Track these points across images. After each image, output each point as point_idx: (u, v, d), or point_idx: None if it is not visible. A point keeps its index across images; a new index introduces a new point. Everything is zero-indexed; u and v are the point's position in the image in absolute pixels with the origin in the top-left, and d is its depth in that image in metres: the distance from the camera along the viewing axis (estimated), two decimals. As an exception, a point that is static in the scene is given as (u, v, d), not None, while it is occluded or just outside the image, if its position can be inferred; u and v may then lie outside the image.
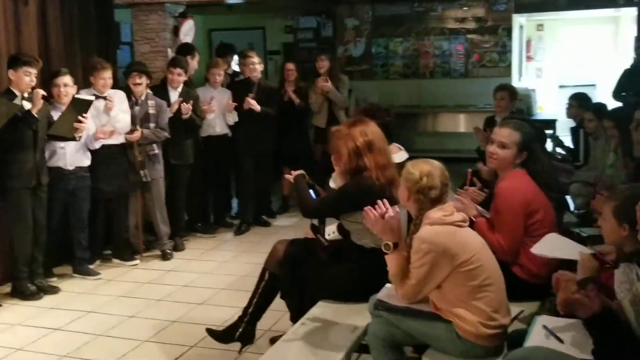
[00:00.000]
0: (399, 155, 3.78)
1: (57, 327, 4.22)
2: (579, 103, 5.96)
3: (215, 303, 4.62)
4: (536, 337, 2.45)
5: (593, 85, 10.66)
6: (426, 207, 2.63)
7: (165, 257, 5.63)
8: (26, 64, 4.45)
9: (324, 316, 3.14)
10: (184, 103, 5.69)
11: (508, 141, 3.23)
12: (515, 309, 2.84)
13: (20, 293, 4.66)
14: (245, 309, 3.56)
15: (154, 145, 5.52)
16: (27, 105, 4.43)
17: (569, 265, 3.04)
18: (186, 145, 5.92)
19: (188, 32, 6.40)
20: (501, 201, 3.11)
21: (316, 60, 6.84)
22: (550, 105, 11.00)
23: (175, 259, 5.65)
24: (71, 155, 4.93)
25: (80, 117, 4.61)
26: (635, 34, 9.03)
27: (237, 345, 3.65)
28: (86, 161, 5.06)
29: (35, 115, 4.42)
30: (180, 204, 5.98)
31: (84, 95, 4.93)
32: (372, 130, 3.20)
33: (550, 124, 8.83)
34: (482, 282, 2.56)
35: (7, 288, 4.83)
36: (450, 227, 2.62)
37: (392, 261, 2.74)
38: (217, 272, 5.37)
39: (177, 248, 5.84)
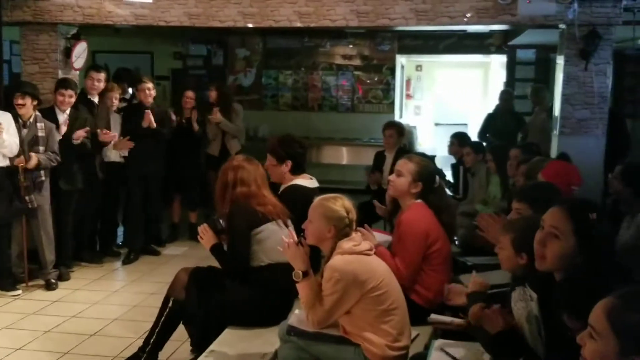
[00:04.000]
0: (309, 182, 3.97)
1: None
2: (459, 141, 6.45)
3: (107, 334, 4.49)
4: (436, 358, 2.67)
5: (465, 124, 11.51)
6: (340, 239, 2.79)
7: (49, 287, 5.37)
8: None
9: (231, 343, 3.19)
10: (79, 130, 5.55)
11: (402, 170, 3.49)
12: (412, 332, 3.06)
13: None
14: (147, 339, 3.52)
15: (42, 172, 5.30)
16: None
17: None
18: (76, 169, 5.74)
19: (81, 54, 6.24)
20: (403, 231, 3.34)
21: (210, 91, 6.93)
22: (428, 141, 11.73)
23: (61, 289, 5.40)
24: None
25: None
26: (504, 79, 9.94)
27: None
28: None
29: None
30: (67, 231, 5.75)
31: None
32: (251, 168, 3.42)
33: (430, 159, 9.38)
34: (388, 306, 2.75)
35: None
36: (360, 256, 2.79)
37: (303, 289, 2.86)
38: (106, 302, 5.21)
39: (62, 277, 5.59)
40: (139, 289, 5.48)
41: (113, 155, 6.21)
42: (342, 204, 2.82)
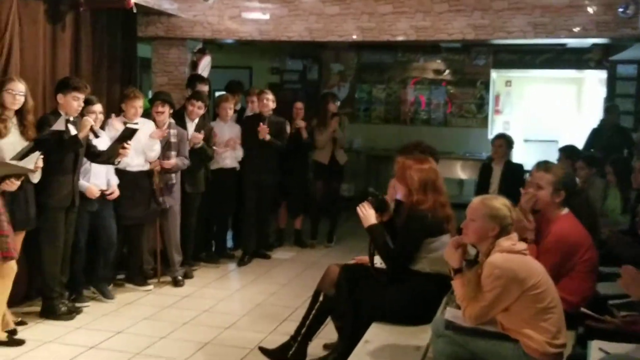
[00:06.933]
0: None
1: (92, 346, 4.28)
2: (569, 155, 6.44)
3: (240, 328, 4.76)
4: (596, 357, 2.76)
5: (555, 141, 11.36)
6: (499, 237, 2.93)
7: (177, 283, 5.73)
8: (75, 89, 4.58)
9: (382, 337, 3.37)
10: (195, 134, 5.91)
11: (542, 182, 3.59)
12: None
13: (52, 313, 4.69)
14: (298, 329, 3.75)
15: (173, 175, 5.68)
16: (72, 129, 4.55)
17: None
18: (200, 174, 6.10)
19: (205, 67, 6.65)
20: (550, 241, 3.41)
21: (327, 102, 7.21)
22: (517, 157, 11.63)
23: (187, 286, 5.74)
24: (97, 179, 5.04)
25: (125, 144, 4.76)
26: (603, 95, 9.82)
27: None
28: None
29: (81, 141, 4.54)
30: (191, 232, 6.10)
31: (131, 124, 5.04)
32: (434, 169, 3.54)
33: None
34: (547, 305, 2.86)
35: (29, 307, 4.88)
36: (518, 255, 2.92)
37: (458, 285, 3.01)
38: (232, 299, 5.53)
39: (187, 275, 5.94)
40: (260, 289, 5.76)
41: (229, 161, 6.54)
42: (504, 203, 2.96)
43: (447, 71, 10.48)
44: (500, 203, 2.98)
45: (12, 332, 4.30)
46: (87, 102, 4.87)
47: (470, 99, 10.46)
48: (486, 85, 10.39)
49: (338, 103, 7.22)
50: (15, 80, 4.32)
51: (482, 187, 6.55)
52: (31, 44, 4.93)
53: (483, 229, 2.94)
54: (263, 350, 3.83)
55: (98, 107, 4.97)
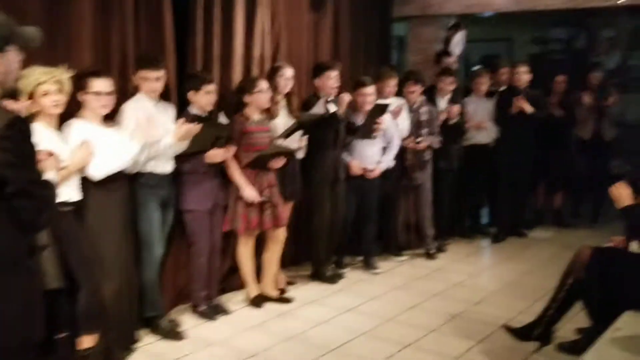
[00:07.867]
0: None
1: (349, 308, 4.66)
2: None
3: (490, 304, 4.76)
4: None
5: None
6: None
7: (429, 256, 5.91)
8: (327, 69, 4.99)
9: (635, 326, 3.10)
10: (452, 107, 5.96)
11: None
12: None
13: (319, 276, 5.22)
14: (545, 311, 3.65)
15: (426, 152, 5.83)
16: (331, 108, 4.96)
17: None
18: (452, 150, 6.15)
19: (459, 42, 6.65)
20: None
21: (589, 73, 6.75)
22: None
23: (439, 260, 5.89)
24: (366, 156, 5.33)
25: (377, 120, 5.04)
26: None
27: (524, 345, 3.79)
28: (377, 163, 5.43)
29: (339, 118, 4.93)
30: (444, 207, 6.19)
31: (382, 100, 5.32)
32: None
33: None
34: None
35: (297, 270, 5.47)
36: None
37: None
38: (482, 275, 5.55)
39: (440, 249, 6.08)
40: (512, 267, 5.67)
41: (480, 137, 6.47)
42: None
43: None
44: None
45: (282, 291, 4.89)
46: (361, 84, 5.18)
47: None
48: None
49: (600, 74, 6.67)
50: (286, 66, 4.85)
51: None
52: (296, 31, 5.41)
53: None
54: (507, 328, 3.81)
55: (369, 90, 5.17)
